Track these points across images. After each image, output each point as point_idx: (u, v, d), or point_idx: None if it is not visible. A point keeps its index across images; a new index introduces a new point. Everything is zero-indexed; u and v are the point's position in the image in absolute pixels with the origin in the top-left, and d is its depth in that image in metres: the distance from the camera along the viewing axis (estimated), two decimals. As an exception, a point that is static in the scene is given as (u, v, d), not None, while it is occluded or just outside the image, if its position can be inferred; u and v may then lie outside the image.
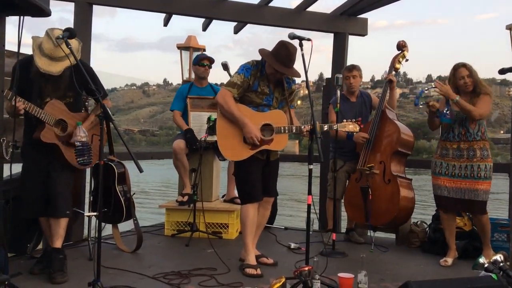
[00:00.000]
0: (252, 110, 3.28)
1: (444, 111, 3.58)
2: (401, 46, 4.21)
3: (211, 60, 4.60)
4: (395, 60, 4.19)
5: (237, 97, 3.25)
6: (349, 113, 4.15)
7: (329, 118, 4.41)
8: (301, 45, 3.10)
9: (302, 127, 3.21)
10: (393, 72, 4.19)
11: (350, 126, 3.34)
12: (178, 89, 4.84)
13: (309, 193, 2.99)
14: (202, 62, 4.57)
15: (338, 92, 3.96)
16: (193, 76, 5.37)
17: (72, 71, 2.88)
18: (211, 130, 4.05)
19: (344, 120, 3.39)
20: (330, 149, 4.36)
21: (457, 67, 3.64)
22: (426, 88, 3.89)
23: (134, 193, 3.78)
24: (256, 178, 3.31)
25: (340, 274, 2.86)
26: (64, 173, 3.12)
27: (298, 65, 3.23)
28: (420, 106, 3.76)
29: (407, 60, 4.20)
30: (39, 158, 3.08)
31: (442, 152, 3.70)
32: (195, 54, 5.32)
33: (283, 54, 3.18)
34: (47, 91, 3.04)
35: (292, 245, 4.01)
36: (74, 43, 2.93)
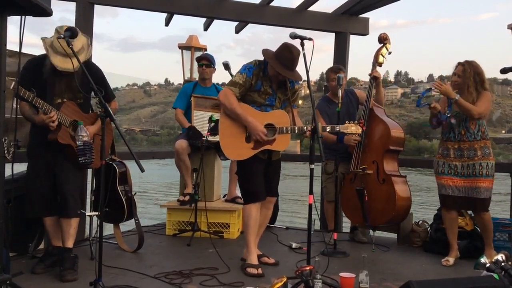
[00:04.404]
0: (255, 109, 3.28)
1: (445, 113, 3.59)
2: (383, 39, 4.13)
3: (209, 58, 4.55)
4: (377, 55, 4.12)
5: (238, 96, 3.25)
6: (335, 115, 3.95)
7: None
8: (302, 44, 3.10)
9: (305, 127, 3.20)
10: (377, 67, 4.12)
11: (353, 128, 3.28)
12: (182, 87, 4.82)
13: (310, 192, 2.98)
14: (200, 62, 4.56)
15: (340, 92, 3.89)
16: (194, 76, 5.37)
17: (82, 71, 2.87)
18: (213, 129, 4.05)
19: (347, 122, 3.33)
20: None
21: (458, 65, 3.64)
22: (428, 87, 3.86)
23: (135, 193, 3.79)
24: (259, 178, 3.31)
25: (342, 274, 2.86)
26: (73, 173, 3.12)
27: (299, 65, 3.22)
28: (422, 107, 3.75)
29: (390, 53, 4.13)
30: (46, 158, 3.08)
31: (443, 152, 3.70)
32: (197, 53, 5.33)
33: (286, 57, 3.17)
34: (59, 91, 3.04)
35: (294, 245, 4.01)
36: (82, 39, 2.94)
